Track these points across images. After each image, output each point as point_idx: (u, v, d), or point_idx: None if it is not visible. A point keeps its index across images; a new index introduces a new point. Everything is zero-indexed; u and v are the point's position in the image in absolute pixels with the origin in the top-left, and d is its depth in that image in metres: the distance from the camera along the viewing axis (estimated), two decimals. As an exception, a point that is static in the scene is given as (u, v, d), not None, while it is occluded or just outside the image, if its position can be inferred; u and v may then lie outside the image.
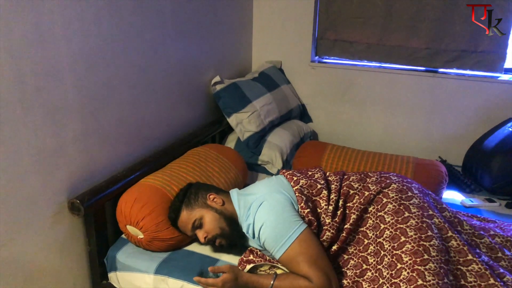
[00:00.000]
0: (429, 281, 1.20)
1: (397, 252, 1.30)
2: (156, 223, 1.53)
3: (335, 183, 1.56)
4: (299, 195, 1.48)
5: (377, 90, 2.69)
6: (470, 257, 1.32)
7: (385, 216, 1.41)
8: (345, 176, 1.61)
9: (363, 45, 2.66)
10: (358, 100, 2.75)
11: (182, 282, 1.47)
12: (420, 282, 1.20)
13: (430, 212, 1.41)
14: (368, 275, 1.35)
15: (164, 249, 1.58)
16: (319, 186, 1.53)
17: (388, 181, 1.51)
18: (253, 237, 1.45)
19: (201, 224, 1.49)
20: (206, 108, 2.39)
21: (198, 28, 2.19)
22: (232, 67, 2.67)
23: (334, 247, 1.45)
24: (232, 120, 2.32)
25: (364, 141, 2.76)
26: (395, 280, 1.25)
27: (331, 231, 1.44)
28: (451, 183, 2.17)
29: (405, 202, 1.42)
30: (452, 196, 2.09)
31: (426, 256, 1.26)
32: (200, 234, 1.49)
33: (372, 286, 1.31)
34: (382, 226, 1.40)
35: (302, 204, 1.45)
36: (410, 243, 1.30)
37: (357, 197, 1.50)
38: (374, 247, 1.39)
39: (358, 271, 1.38)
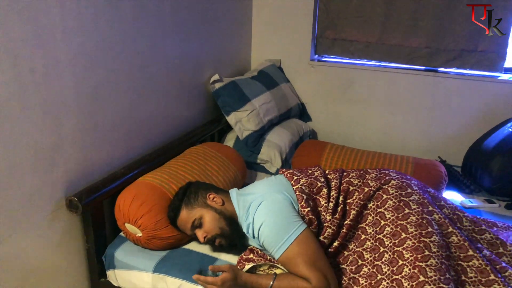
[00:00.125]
0: (431, 277, 1.20)
1: (398, 248, 1.31)
2: (155, 221, 1.52)
3: (335, 181, 1.56)
4: (300, 194, 1.47)
5: (376, 89, 2.68)
6: (470, 252, 1.33)
7: (385, 212, 1.42)
8: (345, 173, 1.61)
9: (363, 44, 2.65)
10: (357, 99, 2.74)
11: (181, 281, 1.46)
12: (422, 278, 1.20)
13: (430, 208, 1.42)
14: (364, 271, 1.35)
15: (163, 247, 1.58)
16: (319, 184, 1.53)
17: (387, 177, 1.52)
18: (253, 236, 1.44)
19: (200, 223, 1.48)
20: (205, 106, 2.38)
21: (197, 26, 2.19)
22: (231, 65, 2.66)
23: (335, 244, 1.45)
24: (231, 118, 2.31)
25: (363, 140, 2.76)
26: (397, 277, 1.25)
27: (332, 227, 1.44)
28: (450, 184, 2.16)
29: (405, 199, 1.43)
30: (451, 196, 2.08)
31: (427, 252, 1.26)
32: (200, 234, 1.48)
33: (369, 281, 1.31)
34: (383, 222, 1.40)
35: (302, 203, 1.44)
36: (411, 240, 1.30)
37: (356, 193, 1.51)
38: (371, 243, 1.39)
39: (353, 267, 1.38)
